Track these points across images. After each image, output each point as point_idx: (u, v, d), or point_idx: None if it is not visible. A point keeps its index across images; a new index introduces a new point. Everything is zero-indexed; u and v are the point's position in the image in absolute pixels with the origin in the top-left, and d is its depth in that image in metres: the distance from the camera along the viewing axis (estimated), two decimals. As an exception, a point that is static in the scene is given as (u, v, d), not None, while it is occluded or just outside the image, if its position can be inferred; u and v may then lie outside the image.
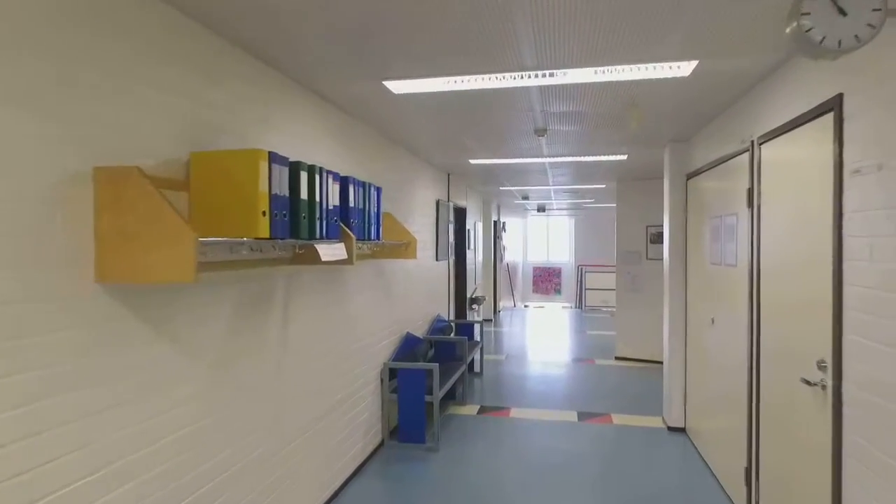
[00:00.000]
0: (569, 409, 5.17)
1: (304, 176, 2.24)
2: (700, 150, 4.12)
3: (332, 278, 3.36)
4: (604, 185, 8.04)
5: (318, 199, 2.35)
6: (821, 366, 2.18)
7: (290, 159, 2.20)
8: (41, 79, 1.47)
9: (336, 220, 2.56)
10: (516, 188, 8.50)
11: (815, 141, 2.26)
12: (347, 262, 2.63)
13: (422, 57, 2.52)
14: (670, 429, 4.57)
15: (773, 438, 2.68)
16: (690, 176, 4.38)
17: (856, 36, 1.57)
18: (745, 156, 3.06)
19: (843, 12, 1.56)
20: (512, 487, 3.53)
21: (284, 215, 2.08)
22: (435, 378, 4.16)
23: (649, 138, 4.47)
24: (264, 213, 1.93)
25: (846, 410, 2.00)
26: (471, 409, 5.15)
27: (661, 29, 2.19)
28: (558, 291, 15.73)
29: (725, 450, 3.42)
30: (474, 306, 8.86)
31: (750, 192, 2.98)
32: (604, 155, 5.27)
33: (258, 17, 2.09)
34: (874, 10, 1.54)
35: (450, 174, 6.83)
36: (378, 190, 3.25)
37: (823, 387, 2.16)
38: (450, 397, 5.43)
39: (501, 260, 12.83)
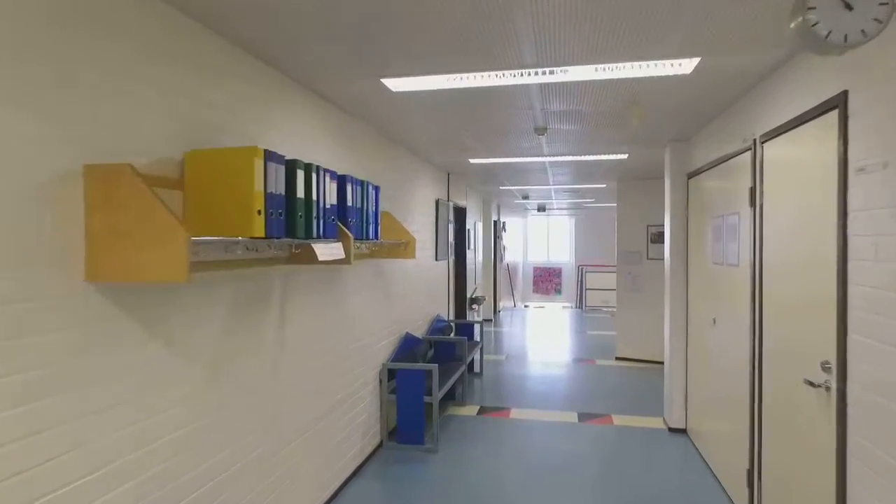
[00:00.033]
0: (569, 409, 5.14)
1: (300, 174, 2.21)
2: (701, 149, 4.09)
3: (329, 278, 3.33)
4: (604, 185, 8.01)
5: (314, 197, 2.31)
6: (825, 367, 2.15)
7: (288, 158, 2.17)
8: (32, 76, 1.44)
9: (333, 220, 2.53)
10: (516, 188, 8.47)
11: (818, 139, 2.23)
12: (345, 261, 2.60)
13: (421, 54, 2.49)
14: (671, 430, 4.54)
15: (776, 440, 2.65)
16: (691, 175, 4.35)
17: (862, 31, 1.54)
18: (747, 154, 3.03)
19: (849, 7, 1.53)
20: (512, 488, 3.50)
21: (280, 214, 2.05)
22: (434, 378, 4.13)
23: (650, 137, 4.44)
24: (259, 212, 1.90)
25: (851, 412, 1.97)
26: (470, 410, 5.13)
27: (663, 26, 2.16)
28: (558, 291, 15.70)
29: (727, 451, 3.39)
30: (474, 306, 8.83)
31: (752, 191, 2.95)
32: (604, 154, 5.24)
33: (255, 15, 2.06)
34: (881, 4, 1.51)
35: (449, 173, 6.80)
36: (376, 189, 3.22)
37: (827, 388, 2.13)
38: (449, 398, 5.40)
39: (501, 260, 12.80)
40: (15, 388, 1.41)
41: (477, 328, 7.53)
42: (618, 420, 4.83)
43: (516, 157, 5.39)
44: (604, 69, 2.67)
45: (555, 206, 12.27)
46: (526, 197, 9.88)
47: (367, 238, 3.10)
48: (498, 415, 4.99)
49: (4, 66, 1.37)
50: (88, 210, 1.59)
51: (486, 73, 2.75)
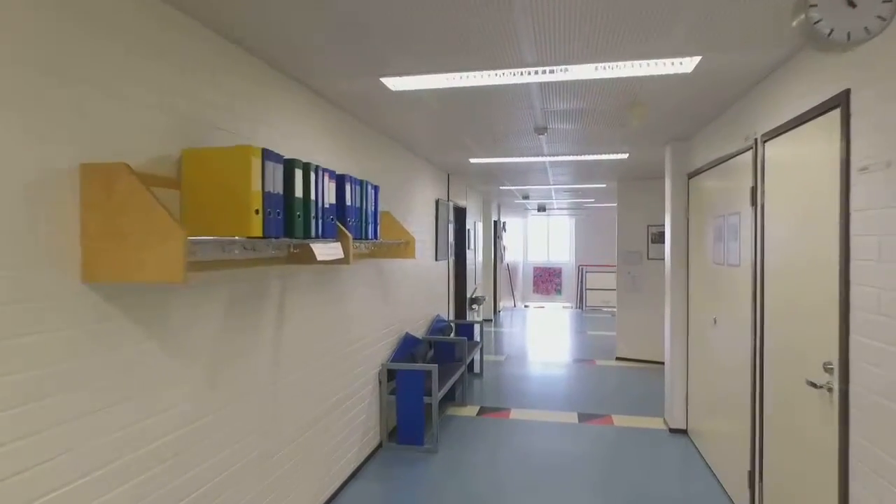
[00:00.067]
0: (569, 410, 5.12)
1: (298, 174, 2.19)
2: (702, 149, 4.07)
3: (328, 278, 3.31)
4: (604, 185, 8.00)
5: (313, 197, 2.30)
6: (827, 368, 2.13)
7: (286, 157, 2.16)
8: (25, 74, 1.42)
9: (332, 219, 2.51)
10: (517, 188, 8.46)
11: (820, 138, 2.21)
12: (344, 261, 2.59)
13: (420, 53, 2.48)
14: (672, 430, 4.53)
15: (778, 441, 2.63)
16: (692, 175, 4.33)
17: (865, 28, 1.52)
18: (749, 154, 3.02)
19: (852, 4, 1.51)
20: (512, 489, 3.48)
21: (278, 214, 2.04)
22: (434, 379, 4.11)
23: (650, 137, 4.42)
24: (257, 212, 1.88)
25: (853, 413, 1.95)
26: (470, 411, 5.11)
27: (664, 24, 2.15)
28: (559, 291, 15.68)
29: (728, 452, 3.38)
30: (474, 306, 8.82)
31: (753, 190, 2.93)
32: (604, 154, 5.22)
33: (253, 12, 2.05)
34: (885, 1, 1.50)
35: (449, 174, 6.78)
36: (375, 188, 3.21)
37: (830, 389, 2.12)
38: (449, 398, 5.39)
39: (502, 260, 12.78)
40: (12, 389, 1.40)
41: (477, 328, 7.52)
42: (618, 420, 4.81)
43: (516, 156, 5.37)
44: (604, 68, 2.66)
45: (555, 206, 12.26)
46: (526, 197, 9.87)
47: (367, 238, 3.08)
48: (498, 415, 4.97)
49: (-2, 64, 1.36)
50: (84, 210, 1.57)
51: (485, 72, 2.73)
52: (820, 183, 2.21)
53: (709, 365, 3.83)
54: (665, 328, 4.72)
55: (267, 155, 1.94)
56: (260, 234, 1.91)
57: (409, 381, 4.11)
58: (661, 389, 5.73)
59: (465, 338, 5.41)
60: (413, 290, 5.15)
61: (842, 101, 2.01)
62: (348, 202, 2.83)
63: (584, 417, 4.90)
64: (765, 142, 2.80)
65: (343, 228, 2.65)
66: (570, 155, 5.27)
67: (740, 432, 3.13)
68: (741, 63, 2.61)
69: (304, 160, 2.72)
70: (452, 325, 6.37)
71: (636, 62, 2.57)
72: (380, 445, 4.17)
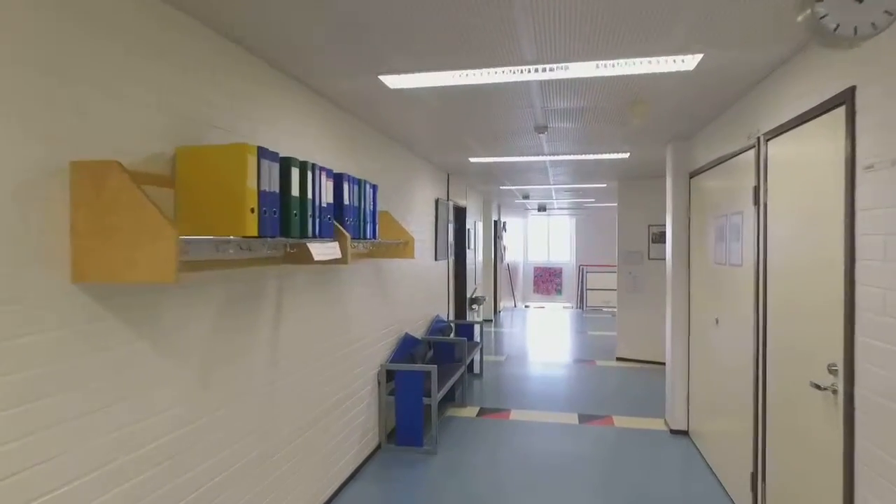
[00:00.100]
0: (569, 410, 5.09)
1: (295, 172, 2.16)
2: (704, 148, 4.04)
3: (327, 278, 3.28)
4: (605, 185, 7.97)
5: (310, 196, 2.27)
6: (831, 369, 2.10)
7: (283, 155, 2.13)
8: (16, 69, 1.39)
9: (330, 219, 2.48)
10: (517, 187, 8.43)
11: (825, 136, 2.18)
12: (342, 261, 2.55)
13: (419, 52, 2.44)
14: (673, 431, 4.49)
15: (781, 443, 2.60)
16: (693, 174, 4.30)
17: (872, 23, 1.49)
18: (751, 152, 2.98)
19: (858, -2, 1.48)
20: (512, 490, 3.45)
21: (274, 213, 2.00)
22: (433, 380, 4.08)
23: (652, 136, 4.39)
24: (252, 211, 1.85)
25: (859, 416, 1.92)
26: (470, 411, 5.08)
27: (665, 22, 2.11)
28: (559, 291, 15.65)
29: (730, 454, 3.34)
30: (474, 306, 8.78)
31: (756, 189, 2.90)
32: (605, 153, 5.19)
33: (253, 12, 2.03)
34: (892, -5, 1.46)
35: (449, 173, 6.75)
36: (374, 187, 3.18)
37: (834, 391, 2.08)
38: (449, 399, 5.35)
39: (502, 260, 12.75)
40: (2, 391, 1.37)
41: (477, 328, 7.49)
42: (619, 421, 4.78)
43: (516, 156, 5.34)
44: (605, 66, 2.62)
45: (555, 206, 12.23)
46: (526, 197, 9.84)
47: (365, 237, 3.05)
48: (498, 416, 4.94)
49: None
50: (74, 208, 1.54)
51: (485, 70, 2.70)
52: (824, 182, 2.18)
53: (710, 365, 3.80)
54: (666, 328, 4.69)
55: (263, 153, 1.91)
56: (255, 234, 1.87)
57: (409, 382, 4.08)
58: (662, 390, 5.70)
59: (465, 338, 5.37)
60: (412, 291, 5.12)
61: (847, 99, 1.98)
62: (346, 201, 2.80)
63: (584, 418, 4.87)
64: (767, 140, 2.76)
65: (341, 228, 2.62)
66: (570, 154, 5.24)
67: (742, 434, 3.10)
68: (743, 61, 2.57)
69: (303, 159, 2.69)
70: (452, 325, 6.34)
71: (637, 60, 2.54)
72: (379, 447, 4.14)
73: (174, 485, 1.98)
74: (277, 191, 2.03)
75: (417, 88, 3.01)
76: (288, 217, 2.12)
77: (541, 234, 16.15)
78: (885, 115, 1.77)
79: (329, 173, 2.48)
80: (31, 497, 1.45)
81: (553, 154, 5.23)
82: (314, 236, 2.33)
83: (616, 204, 7.82)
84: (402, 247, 3.79)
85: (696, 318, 4.19)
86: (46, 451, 1.49)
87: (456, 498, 3.37)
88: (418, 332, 5.31)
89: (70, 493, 1.56)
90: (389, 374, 4.23)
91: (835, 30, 1.50)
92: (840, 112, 2.04)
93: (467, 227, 8.43)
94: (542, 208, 11.91)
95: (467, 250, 8.50)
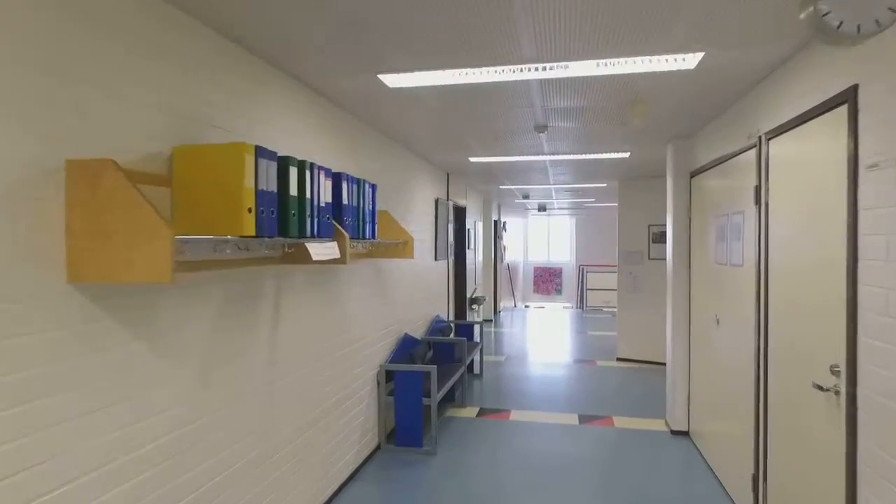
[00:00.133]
0: (570, 411, 5.08)
1: (293, 171, 2.14)
2: (704, 147, 4.02)
3: (326, 279, 3.27)
4: (605, 184, 7.95)
5: (308, 195, 2.25)
6: (834, 370, 2.08)
7: (281, 154, 2.11)
8: (16, 68, 1.38)
9: (328, 218, 2.47)
10: (517, 187, 8.41)
11: (827, 135, 2.16)
12: (340, 261, 2.54)
13: (419, 51, 2.43)
14: (673, 432, 4.48)
15: (783, 444, 2.58)
16: (694, 174, 4.28)
17: (876, 20, 1.47)
18: (752, 152, 2.97)
19: (862, -5, 1.46)
20: (512, 491, 3.43)
21: (272, 212, 1.99)
22: (433, 380, 4.06)
23: (652, 135, 4.37)
24: (250, 210, 1.84)
25: (862, 417, 1.90)
26: (470, 412, 5.06)
27: (666, 19, 2.10)
28: (559, 292, 15.64)
29: (731, 455, 3.33)
30: (474, 306, 8.77)
31: (757, 189, 2.88)
32: (605, 153, 5.17)
33: (253, 11, 2.02)
34: (896, -8, 1.45)
35: (449, 173, 6.74)
36: (373, 187, 3.16)
37: (837, 392, 2.07)
38: (448, 399, 5.34)
39: (502, 260, 12.74)
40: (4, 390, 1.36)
41: (477, 329, 7.47)
42: (619, 422, 4.76)
43: (516, 155, 5.33)
44: (605, 64, 2.61)
45: (555, 206, 12.21)
46: (526, 196, 9.82)
47: (364, 237, 3.04)
48: (498, 416, 4.93)
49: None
50: (70, 208, 1.52)
51: (484, 69, 2.68)
52: (826, 181, 2.16)
53: (711, 366, 3.78)
54: (667, 329, 4.67)
55: (260, 152, 1.90)
56: (253, 234, 1.86)
57: (408, 383, 4.06)
58: (663, 390, 5.68)
59: (465, 338, 5.36)
60: (412, 291, 5.11)
61: (849, 97, 1.96)
62: (345, 201, 2.78)
63: (584, 419, 4.85)
64: (769, 139, 2.75)
65: (339, 228, 2.60)
66: (570, 154, 5.22)
67: (744, 434, 3.09)
68: (745, 59, 2.56)
69: (303, 158, 2.67)
70: (452, 325, 6.32)
71: (638, 58, 2.53)
72: (378, 447, 4.12)
73: (174, 485, 1.97)
74: (275, 190, 2.01)
75: (417, 87, 3.00)
76: (286, 217, 2.11)
77: (541, 234, 16.14)
78: (888, 114, 1.75)
79: (328, 172, 2.47)
80: (29, 498, 1.43)
81: (553, 154, 5.22)
82: (312, 236, 2.31)
83: (616, 204, 7.80)
84: (402, 247, 3.77)
85: (697, 319, 4.18)
86: (44, 452, 1.47)
87: (456, 499, 3.35)
88: (418, 332, 5.30)
89: (68, 493, 1.54)
90: (389, 375, 4.21)
91: (838, 27, 1.48)
92: (842, 110, 2.02)
93: (467, 226, 8.42)
94: (542, 208, 11.89)
95: (467, 250, 8.48)
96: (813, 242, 2.28)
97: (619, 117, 3.73)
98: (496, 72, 2.71)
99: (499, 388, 5.92)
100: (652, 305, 6.96)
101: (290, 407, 2.83)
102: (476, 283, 9.67)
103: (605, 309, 12.89)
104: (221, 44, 2.24)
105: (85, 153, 1.58)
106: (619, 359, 7.22)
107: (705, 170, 3.95)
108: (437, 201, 6.08)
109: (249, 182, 1.84)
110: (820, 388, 2.14)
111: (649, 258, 7.05)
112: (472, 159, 5.58)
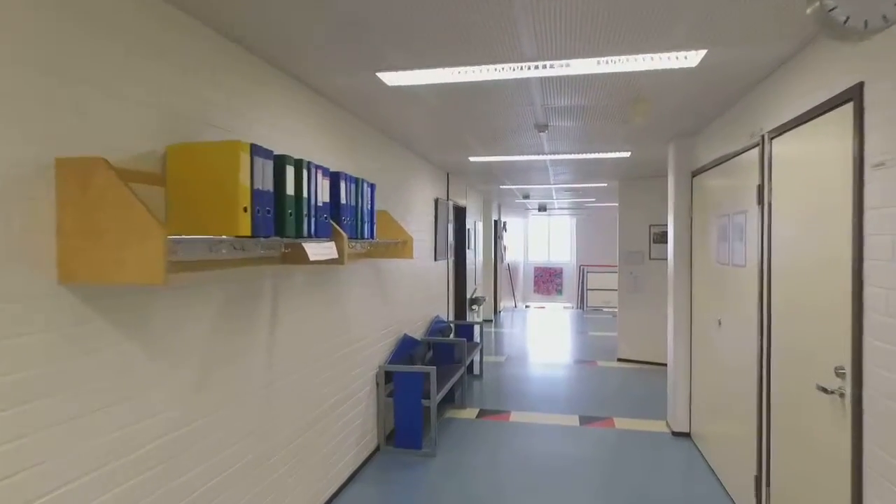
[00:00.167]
0: (570, 412, 5.04)
1: (290, 170, 2.11)
2: (706, 147, 3.99)
3: (324, 279, 3.24)
4: (606, 184, 7.92)
5: (305, 195, 2.22)
6: (839, 372, 2.05)
7: (278, 153, 2.08)
8: (16, 68, 1.35)
9: (326, 218, 2.44)
10: (517, 187, 8.38)
11: (831, 133, 2.13)
12: (338, 261, 2.51)
13: (417, 48, 2.40)
14: (675, 434, 4.45)
15: (786, 447, 2.55)
16: (696, 173, 4.25)
17: (884, 16, 1.44)
18: (755, 151, 2.94)
19: (869, -11, 1.43)
20: (511, 493, 3.40)
21: (268, 212, 1.96)
22: (432, 381, 4.03)
23: (653, 134, 4.34)
24: (245, 210, 1.81)
25: (867, 420, 1.87)
26: (470, 413, 5.03)
27: (668, 16, 2.07)
28: (559, 292, 15.61)
29: (733, 457, 3.30)
30: (474, 307, 8.74)
31: (760, 188, 2.85)
32: (606, 152, 5.14)
33: (253, 11, 2.01)
34: (904, -14, 1.42)
35: (449, 173, 6.71)
36: (372, 186, 3.13)
37: (842, 395, 2.03)
38: (448, 400, 5.31)
39: (502, 260, 12.71)
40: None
41: (477, 329, 7.44)
42: (620, 423, 4.73)
43: (517, 155, 5.29)
44: (606, 62, 2.58)
45: (556, 206, 12.18)
46: (527, 196, 9.79)
47: (363, 237, 3.01)
48: (498, 418, 4.90)
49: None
50: (60, 207, 1.49)
51: (484, 67, 2.65)
52: (831, 180, 2.13)
53: (713, 367, 3.75)
54: (668, 329, 4.64)
55: (256, 150, 1.87)
56: (248, 234, 1.83)
57: (407, 384, 4.03)
58: (664, 391, 5.65)
59: (465, 339, 5.33)
60: (411, 291, 5.08)
61: (855, 95, 1.93)
62: (343, 200, 2.75)
63: (585, 420, 4.82)
64: (772, 138, 2.72)
65: (337, 227, 2.57)
66: (571, 153, 5.19)
67: (746, 436, 3.05)
68: (748, 57, 2.53)
69: (302, 158, 2.65)
70: (452, 325, 6.29)
71: (639, 56, 2.50)
72: (377, 449, 4.09)
73: (170, 487, 1.94)
74: (271, 189, 1.98)
75: (416, 86, 2.97)
76: (282, 216, 2.08)
77: (541, 234, 16.11)
78: (895, 112, 1.72)
79: (325, 171, 2.44)
80: (26, 500, 1.41)
81: (553, 153, 5.19)
82: (310, 236, 2.28)
83: (617, 203, 7.77)
84: (401, 247, 3.74)
85: (699, 319, 4.15)
86: (36, 455, 1.44)
87: (455, 500, 3.32)
88: (417, 332, 5.27)
89: (63, 496, 1.51)
90: (388, 376, 4.18)
91: (844, 22, 1.45)
92: (848, 108, 1.99)
93: (467, 226, 8.39)
94: (542, 208, 11.86)
95: (467, 250, 8.45)
96: (817, 242, 2.25)
97: (620, 116, 3.70)
98: (496, 70, 2.68)
99: (499, 389, 5.89)
100: (653, 306, 6.93)
101: (289, 408, 2.80)
102: (476, 284, 9.64)
103: (605, 309, 12.86)
104: (221, 44, 2.22)
105: (77, 150, 1.55)
106: (619, 359, 7.19)
107: (707, 169, 3.92)
108: (436, 201, 6.05)
109: (245, 181, 1.81)
110: (824, 390, 2.11)
111: (650, 258, 7.02)
112: (472, 159, 5.55)
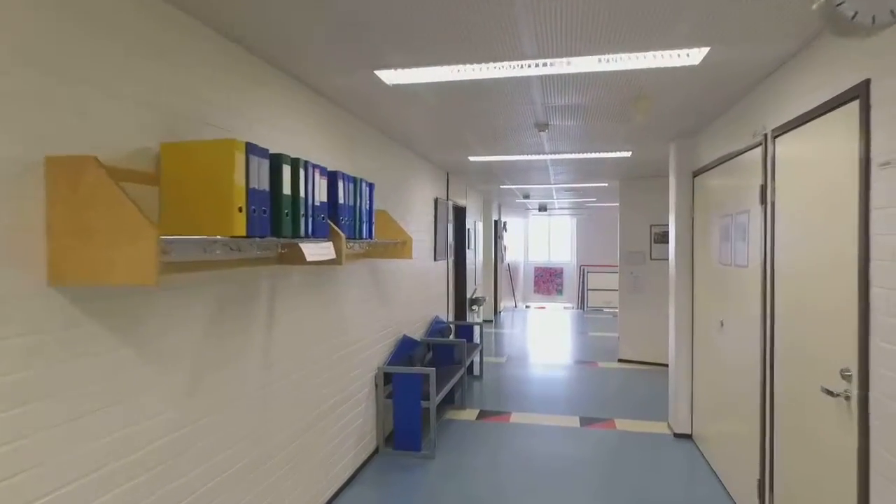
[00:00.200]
0: (571, 413, 5.01)
1: (286, 169, 2.08)
2: (708, 146, 3.96)
3: (322, 279, 3.20)
4: (606, 184, 7.89)
5: (302, 194, 2.19)
6: (844, 375, 2.02)
7: (274, 152, 2.05)
8: (15, 68, 1.32)
9: (323, 218, 2.40)
10: (517, 187, 8.35)
11: (837, 132, 2.10)
12: (336, 262, 2.48)
13: (417, 47, 2.37)
14: (676, 435, 4.41)
15: (790, 450, 2.52)
16: (697, 173, 4.22)
17: (892, 11, 1.42)
18: (758, 150, 2.90)
19: (877, -16, 1.40)
20: (511, 495, 3.37)
21: (264, 212, 1.93)
22: (432, 382, 4.00)
23: (654, 133, 4.31)
24: (241, 209, 1.77)
25: (874, 423, 1.84)
26: (469, 414, 5.00)
27: (670, 13, 2.03)
28: (560, 292, 15.57)
29: (736, 459, 3.26)
30: (474, 307, 8.71)
31: (763, 188, 2.82)
32: (607, 152, 5.11)
33: (253, 11, 1.99)
34: (914, -20, 1.39)
35: (449, 172, 6.67)
36: (370, 186, 3.10)
37: (847, 397, 2.00)
38: (448, 402, 5.28)
39: (502, 260, 12.67)
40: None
41: (477, 329, 7.40)
42: (621, 424, 4.70)
43: (517, 154, 5.26)
44: (608, 60, 2.54)
45: (556, 206, 12.15)
46: (527, 196, 9.76)
47: (361, 237, 2.97)
48: (498, 419, 4.86)
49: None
50: (50, 206, 1.46)
51: (483, 65, 2.62)
52: (836, 180, 2.10)
53: (715, 368, 3.72)
54: (669, 330, 4.61)
55: (251, 149, 1.84)
56: (243, 234, 1.80)
57: (407, 385, 4.00)
58: (665, 393, 5.62)
59: (465, 339, 5.30)
60: (411, 291, 5.04)
61: (861, 93, 1.90)
62: (341, 200, 2.72)
63: (585, 421, 4.79)
64: (775, 137, 2.68)
65: (335, 227, 2.54)
66: (571, 153, 5.16)
67: (749, 439, 3.02)
68: (751, 54, 2.49)
69: (300, 157, 2.62)
70: (452, 326, 6.26)
71: (641, 54, 2.46)
72: (376, 451, 4.06)
73: (166, 490, 1.91)
74: (267, 189, 1.95)
75: (415, 84, 2.94)
76: (279, 216, 2.04)
77: (541, 234, 16.07)
78: (902, 109, 1.69)
79: (323, 171, 2.40)
80: (25, 501, 1.39)
81: (554, 153, 5.15)
82: (307, 236, 2.25)
83: (618, 203, 7.74)
84: (400, 247, 3.71)
85: (700, 320, 4.11)
86: (27, 460, 1.41)
87: (455, 502, 3.29)
88: (417, 333, 5.23)
89: (63, 497, 1.48)
90: (387, 377, 4.15)
91: (852, 18, 1.42)
92: (853, 107, 1.96)
93: (467, 226, 8.36)
94: (542, 208, 11.83)
95: (467, 250, 8.42)
96: (821, 243, 2.21)
97: (621, 115, 3.67)
98: (496, 68, 2.65)
99: (499, 389, 5.85)
100: (654, 306, 6.89)
101: (286, 410, 2.77)
102: (476, 284, 9.61)
103: (606, 309, 12.82)
104: (221, 43, 2.20)
105: (68, 148, 1.52)
106: (620, 360, 7.16)
107: (709, 169, 3.88)
108: (436, 201, 6.01)
109: (240, 180, 1.78)
110: (830, 392, 2.08)
111: (651, 258, 6.98)
112: (472, 158, 5.52)
